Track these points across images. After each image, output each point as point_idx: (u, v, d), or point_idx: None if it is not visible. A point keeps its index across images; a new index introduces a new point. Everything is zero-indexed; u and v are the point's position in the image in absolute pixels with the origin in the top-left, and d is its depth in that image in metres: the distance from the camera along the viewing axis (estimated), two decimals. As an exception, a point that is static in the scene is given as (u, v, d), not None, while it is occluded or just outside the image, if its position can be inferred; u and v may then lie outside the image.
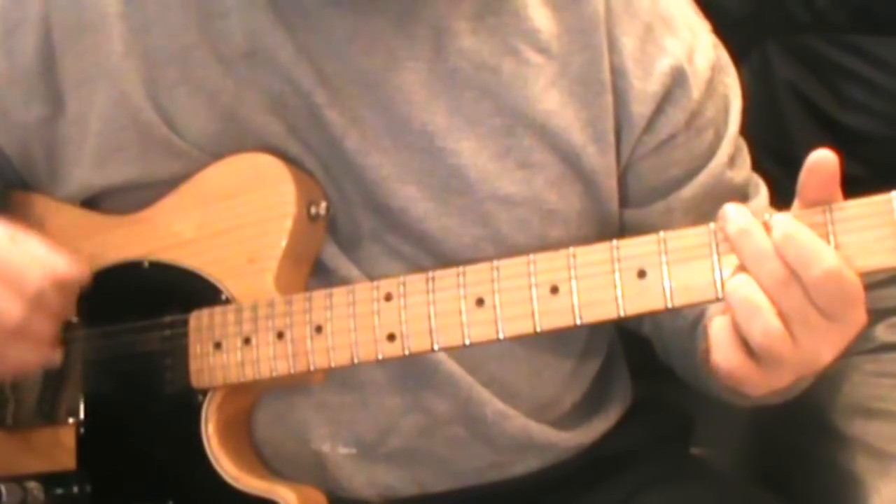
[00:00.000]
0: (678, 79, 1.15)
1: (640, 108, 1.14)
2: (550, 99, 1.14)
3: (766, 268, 0.92)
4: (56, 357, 1.17)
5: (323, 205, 1.13)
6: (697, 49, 1.17)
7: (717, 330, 0.96)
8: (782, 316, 0.92)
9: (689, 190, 1.17)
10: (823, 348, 0.94)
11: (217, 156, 1.16)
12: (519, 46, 1.14)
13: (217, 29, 1.15)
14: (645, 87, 1.14)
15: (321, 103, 1.13)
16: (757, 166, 1.25)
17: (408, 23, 1.13)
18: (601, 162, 1.15)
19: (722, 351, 0.96)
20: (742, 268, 0.94)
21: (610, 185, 1.16)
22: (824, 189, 0.92)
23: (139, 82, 1.16)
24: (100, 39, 1.18)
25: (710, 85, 1.18)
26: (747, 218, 0.94)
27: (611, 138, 1.15)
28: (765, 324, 0.92)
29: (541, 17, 1.14)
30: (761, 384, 0.97)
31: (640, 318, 1.23)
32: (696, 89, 1.16)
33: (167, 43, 1.16)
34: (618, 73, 1.14)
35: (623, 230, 1.18)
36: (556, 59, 1.14)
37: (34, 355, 1.15)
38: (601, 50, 1.14)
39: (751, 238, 0.93)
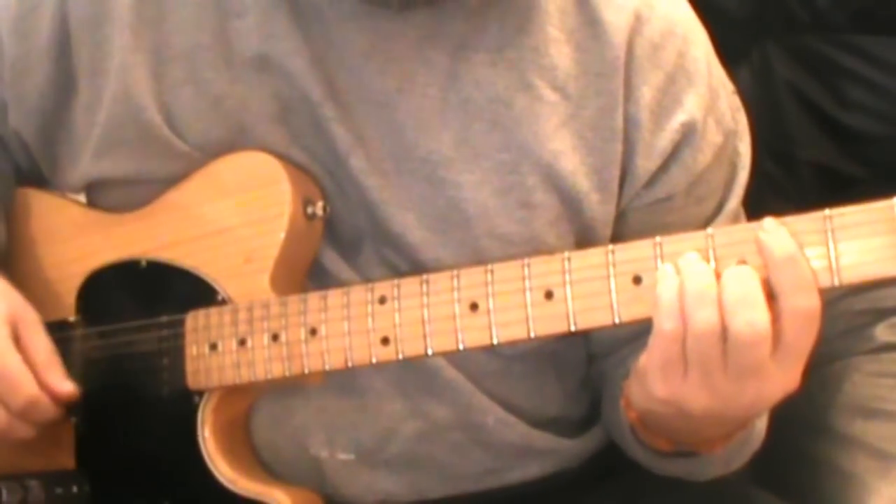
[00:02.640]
0: (689, 137, 1.12)
1: (646, 163, 1.12)
2: (560, 139, 1.11)
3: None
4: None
5: (319, 204, 1.12)
6: (715, 111, 1.14)
7: (645, 359, 0.97)
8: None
9: None
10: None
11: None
12: (535, 82, 1.11)
13: (232, 28, 1.14)
14: (654, 141, 1.12)
15: (329, 116, 1.12)
16: (757, 166, 1.24)
17: (427, 48, 1.11)
18: (602, 210, 1.12)
19: (654, 372, 0.96)
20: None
21: (605, 233, 1.13)
22: None
23: (145, 78, 1.15)
24: (113, 31, 1.17)
25: (721, 152, 1.15)
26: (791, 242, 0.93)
27: (615, 188, 1.12)
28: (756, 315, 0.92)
29: (561, 56, 1.12)
30: (704, 395, 0.96)
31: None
32: (705, 153, 1.13)
33: (179, 39, 1.15)
34: (632, 123, 1.11)
35: None
36: (570, 100, 1.11)
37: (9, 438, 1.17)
38: (616, 97, 1.11)
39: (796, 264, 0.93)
